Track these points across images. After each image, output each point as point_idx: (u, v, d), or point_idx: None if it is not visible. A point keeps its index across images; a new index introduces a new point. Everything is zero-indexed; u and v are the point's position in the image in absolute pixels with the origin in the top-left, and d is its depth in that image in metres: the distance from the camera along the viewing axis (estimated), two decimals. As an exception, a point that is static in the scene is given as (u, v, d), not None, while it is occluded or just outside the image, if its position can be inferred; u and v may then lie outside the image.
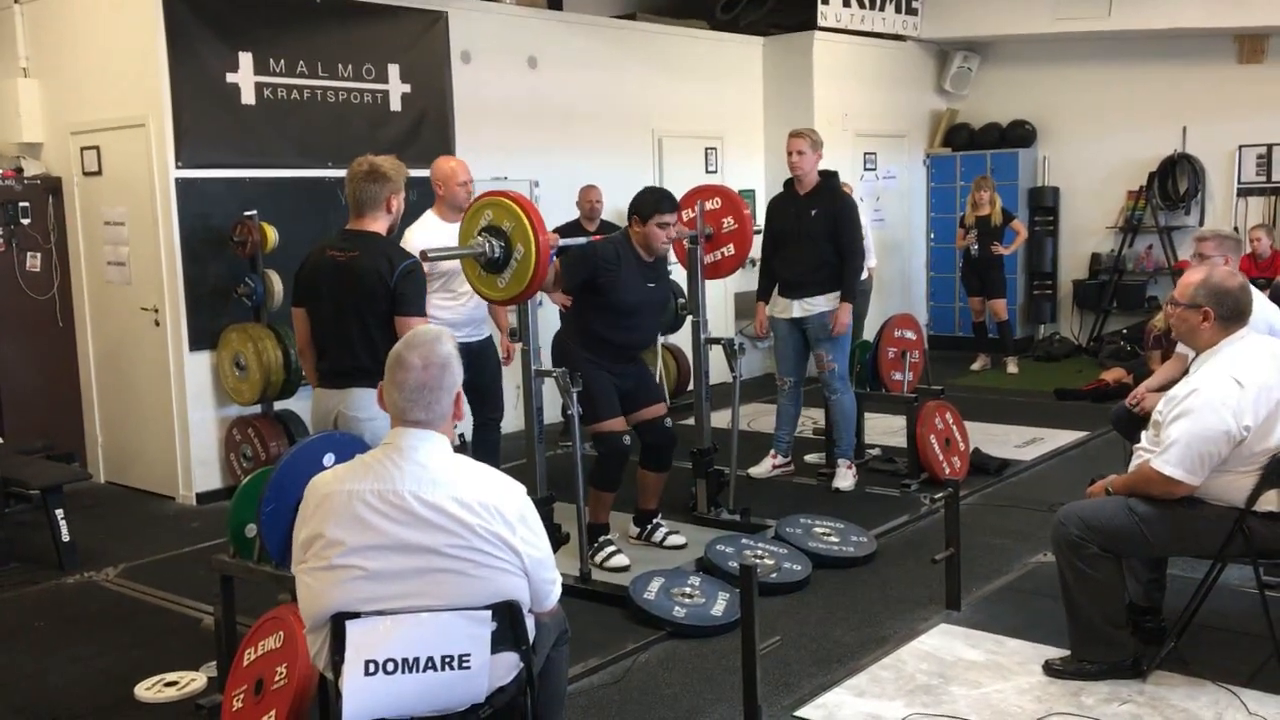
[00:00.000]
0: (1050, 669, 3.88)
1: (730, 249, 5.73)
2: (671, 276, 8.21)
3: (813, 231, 6.14)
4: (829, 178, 6.27)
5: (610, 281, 4.89)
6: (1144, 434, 3.84)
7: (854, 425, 6.47)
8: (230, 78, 6.53)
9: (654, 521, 5.35)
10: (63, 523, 5.45)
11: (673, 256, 6.02)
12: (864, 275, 9.27)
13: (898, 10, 10.59)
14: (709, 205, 5.73)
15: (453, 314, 5.32)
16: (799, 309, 6.27)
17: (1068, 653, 3.89)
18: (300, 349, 4.16)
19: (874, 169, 10.78)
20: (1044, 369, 10.18)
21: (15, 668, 4.32)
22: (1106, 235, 10.99)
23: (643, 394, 5.15)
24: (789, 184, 6.34)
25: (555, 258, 4.83)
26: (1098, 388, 8.74)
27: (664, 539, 5.31)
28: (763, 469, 6.66)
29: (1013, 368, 10.01)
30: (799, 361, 6.50)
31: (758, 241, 6.16)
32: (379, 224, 3.97)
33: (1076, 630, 3.83)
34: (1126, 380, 8.47)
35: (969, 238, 9.75)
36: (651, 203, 4.97)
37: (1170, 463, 3.56)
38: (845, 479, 6.37)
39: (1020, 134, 11.19)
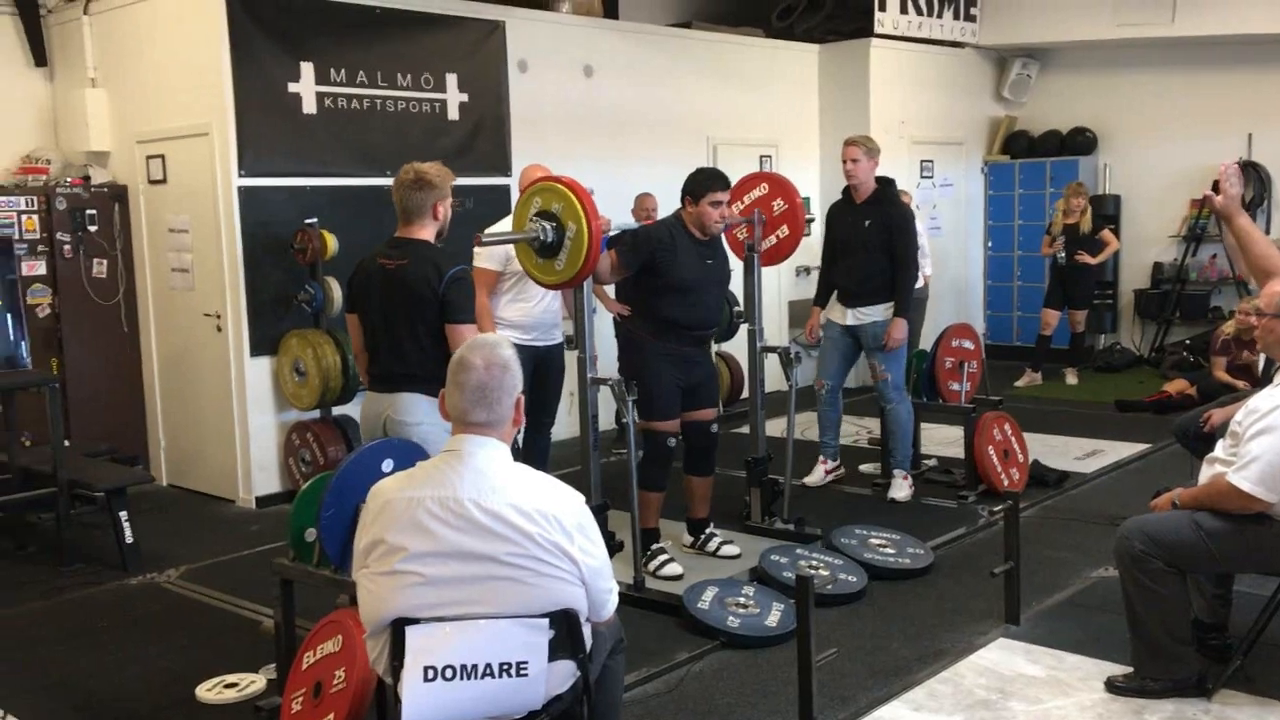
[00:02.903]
0: (1112, 686, 3.81)
1: (785, 230, 5.68)
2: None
3: (868, 241, 6.11)
4: (886, 185, 6.22)
5: (667, 261, 4.89)
6: (1220, 443, 3.76)
7: (910, 436, 6.42)
8: (292, 87, 6.63)
9: (708, 531, 5.33)
10: (126, 525, 5.55)
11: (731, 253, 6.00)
12: (919, 283, 9.22)
13: (956, 17, 10.49)
14: (756, 193, 5.71)
15: (523, 316, 5.38)
16: (853, 317, 6.25)
17: (1130, 669, 3.82)
18: (355, 353, 4.24)
19: (931, 177, 10.69)
20: (1104, 380, 10.02)
21: (80, 667, 4.40)
22: (1169, 244, 10.79)
23: (702, 395, 5.15)
24: (846, 191, 6.30)
25: (608, 248, 4.85)
26: (1160, 399, 8.58)
27: (718, 548, 5.30)
28: (816, 477, 6.63)
29: (1072, 378, 9.85)
30: (842, 367, 6.47)
31: (809, 237, 6.10)
32: (427, 231, 4.03)
33: (1140, 646, 3.76)
34: (1189, 392, 8.31)
35: (1055, 245, 9.54)
36: (704, 181, 4.98)
37: (1250, 479, 3.49)
38: (901, 489, 6.31)
39: (1080, 141, 11.03)
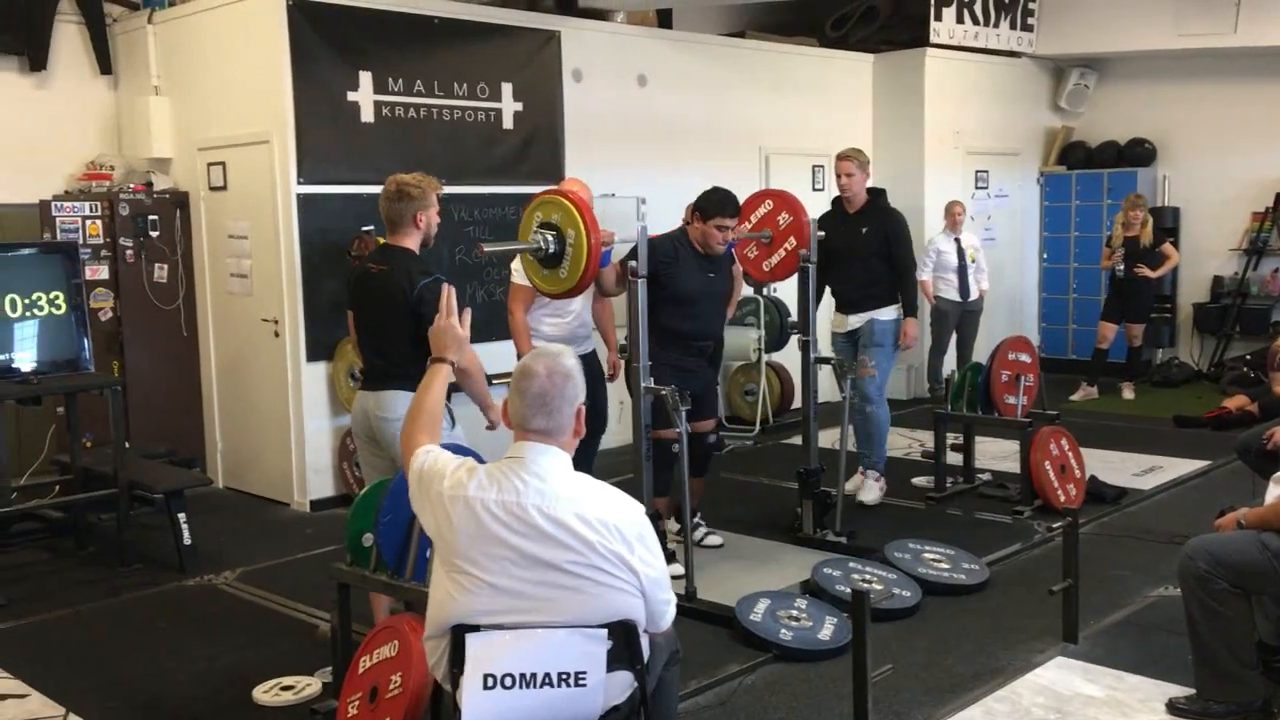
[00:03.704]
0: (1174, 708, 3.75)
1: (792, 242, 5.68)
2: (778, 294, 8.29)
3: (865, 249, 6.19)
4: (877, 195, 6.33)
5: (670, 274, 5.06)
6: (1285, 464, 3.69)
7: (885, 439, 6.45)
8: (351, 96, 6.70)
9: (694, 521, 5.37)
10: (185, 526, 5.63)
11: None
12: (975, 295, 9.16)
13: (1013, 27, 10.40)
14: (761, 211, 5.73)
15: (557, 330, 5.47)
16: (855, 321, 6.32)
17: (1193, 691, 3.75)
18: (356, 351, 4.57)
19: (986, 187, 10.59)
20: (1161, 395, 9.86)
21: (139, 667, 4.46)
22: (1229, 257, 10.61)
23: (702, 405, 5.26)
24: (838, 202, 6.38)
25: (614, 260, 5.01)
26: (1219, 415, 8.42)
27: (702, 538, 5.52)
28: (864, 489, 6.52)
29: (1128, 393, 9.70)
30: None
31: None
32: (411, 240, 4.23)
33: (1202, 668, 3.70)
34: (1250, 408, 8.12)
35: (1115, 258, 9.41)
36: (716, 204, 5.11)
37: (1317, 499, 3.42)
38: (871, 492, 6.35)
39: (1139, 153, 10.88)
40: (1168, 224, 10.63)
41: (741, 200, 5.50)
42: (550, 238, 4.50)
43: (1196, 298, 10.77)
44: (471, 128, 7.27)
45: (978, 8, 10.05)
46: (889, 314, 6.24)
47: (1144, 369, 10.31)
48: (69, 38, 7.37)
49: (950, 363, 9.11)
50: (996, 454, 7.32)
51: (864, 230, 6.20)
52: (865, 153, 6.40)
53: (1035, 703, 3.89)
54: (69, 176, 7.31)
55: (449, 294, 3.12)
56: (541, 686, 2.46)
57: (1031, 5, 10.51)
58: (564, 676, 2.46)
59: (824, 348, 6.62)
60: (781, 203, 5.70)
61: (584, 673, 2.47)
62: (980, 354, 8.50)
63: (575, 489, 2.55)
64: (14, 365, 5.73)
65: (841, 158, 6.26)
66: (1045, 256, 11.37)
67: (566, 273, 4.53)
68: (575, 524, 2.48)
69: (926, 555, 5.24)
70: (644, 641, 2.62)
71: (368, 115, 6.78)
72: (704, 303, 5.22)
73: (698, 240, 5.18)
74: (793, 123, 9.35)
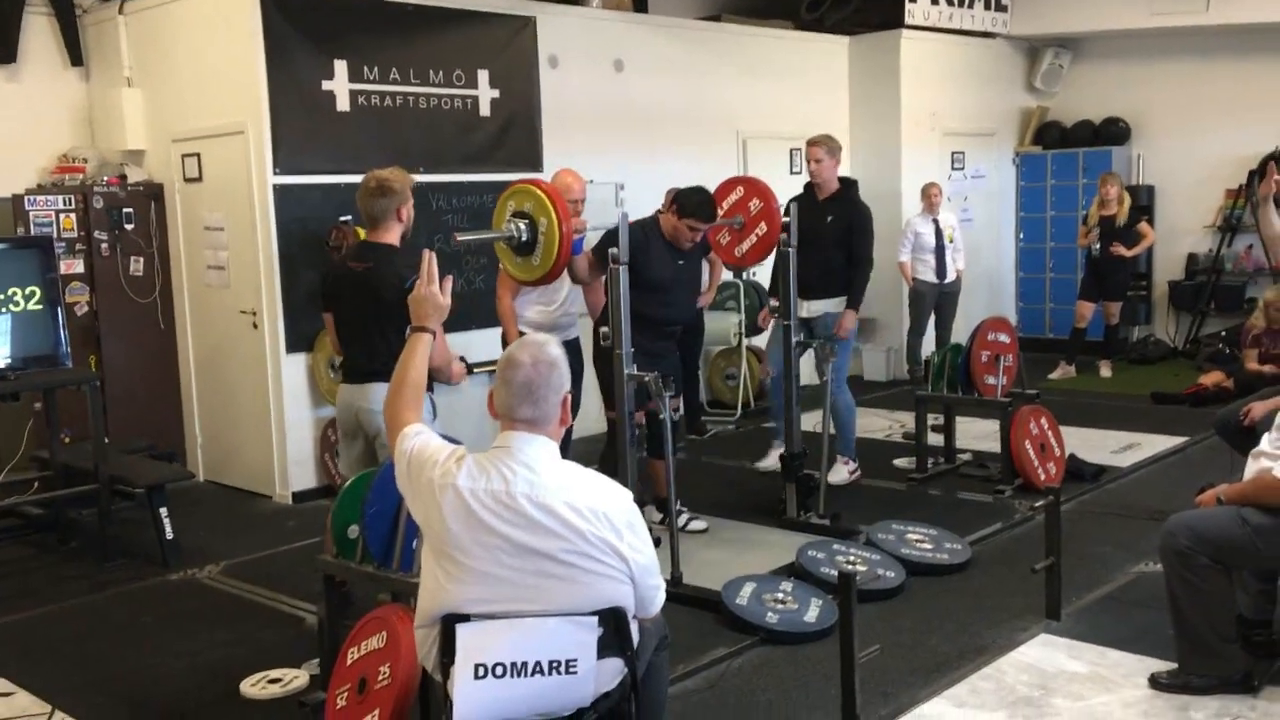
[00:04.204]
0: (1156, 683, 3.79)
1: (763, 228, 5.70)
2: (757, 278, 8.30)
3: (829, 237, 6.21)
4: (849, 185, 6.37)
5: (641, 261, 5.09)
6: (1266, 437, 3.73)
7: (853, 425, 6.51)
8: (326, 85, 6.65)
9: (676, 507, 5.37)
10: (166, 521, 5.60)
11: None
12: (952, 277, 9.19)
13: (987, 7, 10.42)
14: (733, 197, 5.75)
15: (542, 317, 5.53)
16: (807, 309, 6.31)
17: (1174, 666, 3.79)
18: (335, 349, 4.63)
19: (962, 168, 10.63)
20: (1139, 372, 9.94)
21: (124, 662, 4.45)
22: (1204, 235, 10.69)
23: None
24: (809, 188, 6.41)
25: (586, 249, 5.11)
26: (1196, 392, 8.51)
27: (686, 524, 5.53)
28: (771, 462, 6.63)
29: (1106, 371, 9.78)
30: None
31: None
32: (392, 235, 4.30)
33: (1184, 643, 3.74)
34: (1226, 384, 8.23)
35: (1090, 237, 9.45)
36: (693, 206, 5.19)
37: (1296, 473, 3.46)
38: (839, 474, 6.42)
39: (1113, 131, 10.94)
40: (1142, 202, 10.69)
41: (714, 187, 5.55)
42: (523, 226, 4.56)
43: (1172, 275, 10.85)
44: (448, 115, 7.23)
45: (952, -12, 10.07)
46: (838, 307, 6.26)
47: (1121, 347, 10.39)
48: (38, 29, 7.28)
49: (929, 344, 9.14)
50: (977, 434, 7.36)
51: (829, 219, 6.23)
52: (836, 139, 6.41)
53: (1020, 680, 3.93)
54: (41, 170, 7.23)
55: (430, 259, 3.06)
56: (532, 675, 2.46)
57: (1006, -15, 10.54)
58: (555, 664, 2.47)
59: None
60: (752, 189, 5.74)
61: (575, 660, 2.47)
62: (959, 334, 8.56)
63: (564, 477, 2.55)
64: (-9, 361, 5.68)
65: (811, 143, 6.31)
66: (1021, 236, 11.42)
67: (539, 260, 4.60)
68: (565, 512, 2.49)
69: (910, 536, 5.27)
70: (634, 628, 2.63)
71: (343, 104, 6.73)
72: (675, 289, 5.30)
73: (668, 232, 5.26)
74: (769, 106, 9.34)
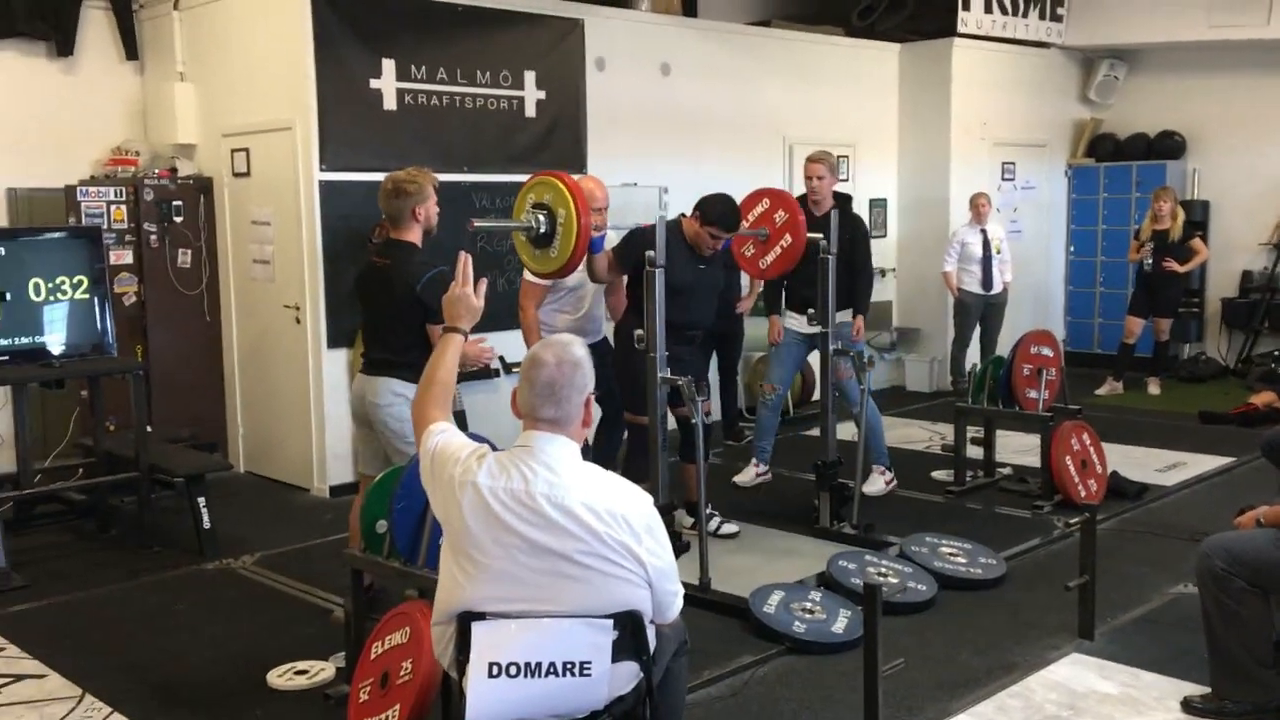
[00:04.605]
0: (1189, 707, 3.71)
1: (788, 239, 5.65)
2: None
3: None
4: (845, 201, 6.34)
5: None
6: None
7: (881, 434, 6.48)
8: (374, 83, 6.72)
9: (708, 511, 5.36)
10: (204, 510, 5.67)
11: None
12: (998, 288, 9.09)
13: (1042, 17, 10.29)
14: (758, 209, 5.72)
15: (567, 324, 5.51)
16: (813, 324, 6.22)
17: (1208, 690, 3.72)
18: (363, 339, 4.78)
19: (1012, 179, 10.51)
20: (1188, 390, 9.76)
21: (156, 649, 4.50)
22: (1259, 252, 10.48)
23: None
24: (804, 204, 6.30)
25: (606, 249, 5.11)
26: (1245, 411, 8.35)
27: (718, 528, 5.55)
28: (747, 477, 6.63)
29: (1154, 388, 9.61)
30: (794, 373, 6.82)
31: (883, 239, 6.09)
32: (413, 234, 4.42)
33: (1219, 667, 3.66)
34: (1277, 405, 8.07)
35: (1143, 252, 9.29)
36: (717, 214, 5.18)
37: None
38: (875, 484, 6.40)
39: (1169, 145, 10.76)
40: (1197, 218, 10.50)
41: (738, 195, 5.53)
42: (542, 218, 4.58)
43: (1225, 292, 10.65)
44: (494, 116, 7.27)
45: (1006, -3, 9.96)
46: (847, 316, 6.24)
47: (1171, 364, 10.21)
48: (96, 23, 7.42)
49: (974, 355, 9.04)
50: (1019, 448, 7.27)
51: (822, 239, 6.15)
52: (834, 156, 6.44)
53: (1048, 699, 3.86)
54: (95, 162, 7.36)
55: (465, 262, 3.08)
56: (546, 676, 2.46)
57: (1061, -5, 10.41)
58: (569, 666, 2.46)
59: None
60: (778, 201, 5.69)
61: (589, 663, 2.47)
62: (1005, 347, 8.43)
63: (584, 479, 2.55)
64: (38, 349, 5.78)
65: (813, 160, 6.31)
66: (1072, 249, 11.27)
67: (557, 252, 4.62)
68: (583, 513, 2.48)
69: (943, 549, 5.21)
70: (651, 632, 2.62)
71: (390, 103, 6.79)
72: (696, 293, 5.26)
73: (690, 236, 5.24)
74: (817, 113, 9.29)
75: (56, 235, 6.22)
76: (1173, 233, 9.17)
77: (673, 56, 8.31)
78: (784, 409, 8.46)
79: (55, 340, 5.87)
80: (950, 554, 5.17)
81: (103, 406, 6.08)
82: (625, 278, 5.32)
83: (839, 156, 9.38)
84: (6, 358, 5.69)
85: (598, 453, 5.51)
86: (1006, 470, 6.86)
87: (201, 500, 5.67)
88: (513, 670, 2.45)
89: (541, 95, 7.48)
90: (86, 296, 5.97)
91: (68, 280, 5.89)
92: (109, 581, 5.31)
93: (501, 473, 2.53)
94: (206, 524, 5.67)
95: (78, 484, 6.13)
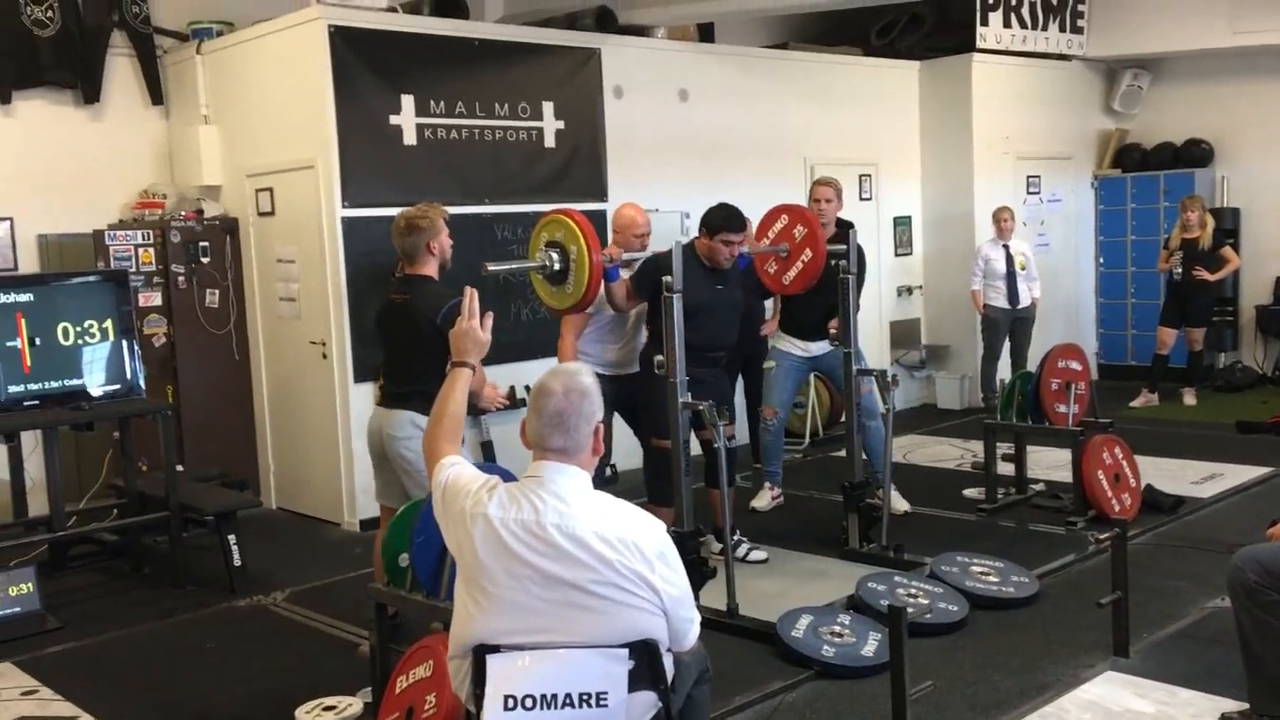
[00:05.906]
0: (1227, 723, 3.64)
1: (808, 254, 5.63)
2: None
3: (830, 278, 5.97)
4: (848, 227, 6.24)
5: None
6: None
7: (881, 453, 6.25)
8: (393, 119, 6.78)
9: (736, 537, 5.31)
10: (235, 548, 5.71)
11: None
12: (1025, 303, 9.00)
13: (1062, 29, 10.25)
14: (777, 226, 5.72)
15: (609, 355, 5.57)
16: (819, 348, 6.33)
17: (1246, 706, 3.64)
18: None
19: (1038, 192, 10.44)
20: (1224, 400, 9.63)
21: (188, 686, 4.53)
22: (1293, 258, 10.35)
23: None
24: None
25: (624, 276, 5.14)
26: (1283, 420, 8.22)
27: (746, 554, 5.54)
28: (764, 502, 6.65)
29: (1190, 399, 9.48)
30: (793, 396, 6.82)
31: (909, 257, 6.06)
32: (429, 268, 4.49)
33: (1255, 682, 3.58)
34: (1316, 413, 7.94)
35: (1172, 261, 9.20)
36: (720, 220, 5.19)
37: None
38: (901, 502, 6.36)
39: (1196, 153, 10.65)
40: (1227, 225, 10.37)
41: (759, 217, 5.54)
42: (555, 255, 4.64)
43: (1259, 300, 10.50)
44: (514, 147, 7.32)
45: (1025, 11, 9.91)
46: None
47: (1206, 374, 10.07)
48: (122, 70, 7.54)
49: (1005, 370, 8.96)
50: (1051, 463, 7.18)
51: (832, 261, 6.10)
52: (840, 181, 6.47)
53: (1082, 719, 3.80)
54: (123, 205, 7.47)
55: (471, 297, 3.12)
56: (563, 707, 2.45)
57: (1081, 7, 10.33)
58: (585, 697, 2.45)
59: (871, 359, 6.58)
60: (796, 217, 5.69)
61: (605, 693, 2.45)
62: (1035, 362, 8.36)
63: (595, 508, 2.54)
64: (68, 392, 5.85)
65: (822, 183, 6.33)
66: (1101, 261, 11.16)
67: (572, 287, 4.68)
68: (595, 543, 2.47)
69: (974, 568, 5.15)
70: (669, 660, 2.60)
71: (410, 138, 6.85)
72: (714, 313, 5.24)
73: (705, 254, 5.24)
74: (838, 132, 9.29)
75: (84, 279, 6.29)
76: (1202, 241, 9.07)
77: (691, 82, 8.33)
78: (814, 429, 8.46)
79: (85, 383, 5.94)
80: (981, 573, 5.11)
81: (133, 448, 6.14)
82: (644, 304, 5.32)
83: (861, 175, 9.44)
84: (37, 402, 5.76)
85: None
86: (1039, 486, 6.78)
87: (232, 538, 5.70)
88: (528, 703, 2.44)
89: (560, 125, 7.52)
90: (114, 339, 6.04)
91: (95, 324, 5.96)
92: (142, 620, 5.34)
93: (512, 504, 2.53)
94: (237, 561, 5.71)
95: (109, 525, 6.19)
